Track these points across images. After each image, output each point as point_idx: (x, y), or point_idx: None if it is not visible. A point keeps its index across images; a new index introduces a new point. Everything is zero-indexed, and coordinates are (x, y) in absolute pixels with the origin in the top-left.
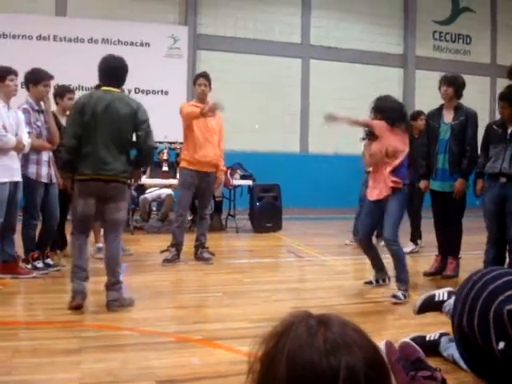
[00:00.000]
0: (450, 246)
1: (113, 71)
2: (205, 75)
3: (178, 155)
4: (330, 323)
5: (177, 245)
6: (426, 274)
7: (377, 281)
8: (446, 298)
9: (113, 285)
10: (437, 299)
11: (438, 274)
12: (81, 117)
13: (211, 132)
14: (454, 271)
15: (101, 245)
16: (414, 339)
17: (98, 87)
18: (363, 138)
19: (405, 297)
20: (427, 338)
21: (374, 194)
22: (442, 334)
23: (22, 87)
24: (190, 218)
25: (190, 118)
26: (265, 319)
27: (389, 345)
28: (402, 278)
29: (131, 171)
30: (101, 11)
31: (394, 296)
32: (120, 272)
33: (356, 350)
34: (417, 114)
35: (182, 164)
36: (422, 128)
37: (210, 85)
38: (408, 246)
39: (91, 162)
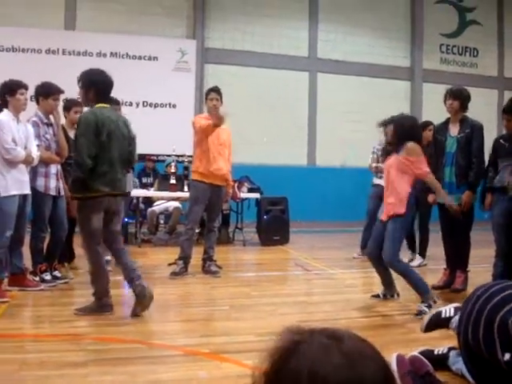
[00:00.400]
0: (458, 259)
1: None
2: (216, 90)
3: (185, 168)
4: (342, 338)
5: (185, 258)
6: (434, 288)
7: (384, 295)
8: (452, 314)
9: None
10: (443, 316)
11: (446, 287)
12: (96, 137)
13: (223, 146)
14: (462, 285)
15: (109, 257)
16: (422, 353)
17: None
18: (382, 154)
19: (429, 307)
20: (436, 352)
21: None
22: (450, 348)
23: (31, 100)
24: (197, 230)
25: (205, 132)
26: (270, 333)
27: (400, 358)
28: (420, 291)
29: None
30: (109, 25)
31: (419, 313)
32: None
33: (370, 362)
34: (425, 125)
35: (195, 177)
36: (430, 139)
37: (221, 99)
38: (416, 260)
39: (109, 180)
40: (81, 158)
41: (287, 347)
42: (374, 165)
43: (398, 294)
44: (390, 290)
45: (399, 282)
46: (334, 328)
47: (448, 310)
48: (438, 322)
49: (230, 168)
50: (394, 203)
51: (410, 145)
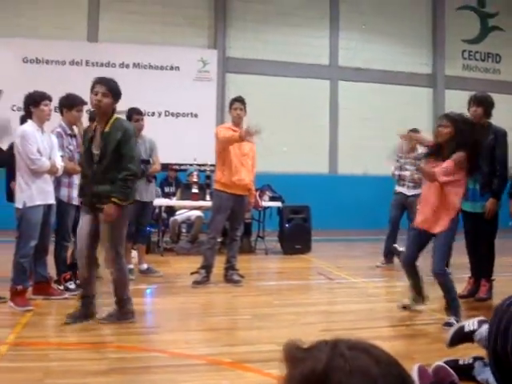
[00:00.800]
0: (482, 267)
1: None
2: (240, 99)
3: (207, 177)
4: (365, 347)
5: (207, 267)
6: (459, 297)
7: (413, 304)
8: (476, 327)
9: None
10: (467, 329)
11: (470, 296)
12: None
13: (246, 156)
14: (487, 294)
15: (132, 266)
16: (447, 363)
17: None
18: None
19: (458, 322)
20: (461, 362)
21: (427, 223)
22: (475, 358)
23: (55, 111)
24: (219, 240)
25: (229, 143)
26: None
27: (422, 369)
28: (454, 307)
29: None
30: (131, 36)
31: (448, 324)
32: None
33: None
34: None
35: (217, 186)
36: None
37: (245, 109)
38: None
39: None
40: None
41: (317, 372)
42: (396, 173)
43: (423, 299)
44: (417, 299)
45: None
46: (354, 339)
47: (471, 323)
48: (461, 336)
49: (253, 178)
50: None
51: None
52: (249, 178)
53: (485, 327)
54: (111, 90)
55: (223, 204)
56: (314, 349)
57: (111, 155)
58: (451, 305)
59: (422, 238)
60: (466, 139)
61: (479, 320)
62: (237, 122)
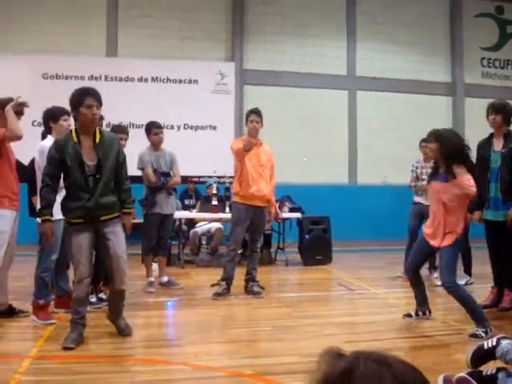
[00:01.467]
0: (505, 277)
1: None
2: (256, 111)
3: (227, 189)
4: (389, 363)
5: (227, 279)
6: (481, 307)
7: (416, 313)
8: (495, 343)
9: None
10: (486, 347)
11: (494, 306)
12: None
13: (263, 167)
14: (510, 303)
15: (152, 279)
16: (470, 374)
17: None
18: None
19: (486, 333)
20: (484, 373)
21: (434, 238)
22: (499, 369)
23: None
24: (240, 251)
25: (238, 156)
26: (316, 354)
27: (447, 379)
28: (477, 318)
29: None
30: (150, 51)
31: (473, 335)
32: None
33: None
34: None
35: (236, 199)
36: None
37: (261, 121)
38: (462, 278)
39: None
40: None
41: (339, 376)
42: (412, 184)
43: (430, 311)
44: (422, 307)
45: (441, 301)
46: (378, 352)
47: (490, 341)
48: (481, 355)
49: (272, 189)
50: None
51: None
52: (267, 189)
53: (505, 342)
54: (101, 101)
55: (242, 216)
56: (340, 357)
57: (111, 165)
58: (473, 316)
59: (427, 248)
60: (451, 148)
61: (498, 337)
62: (253, 134)
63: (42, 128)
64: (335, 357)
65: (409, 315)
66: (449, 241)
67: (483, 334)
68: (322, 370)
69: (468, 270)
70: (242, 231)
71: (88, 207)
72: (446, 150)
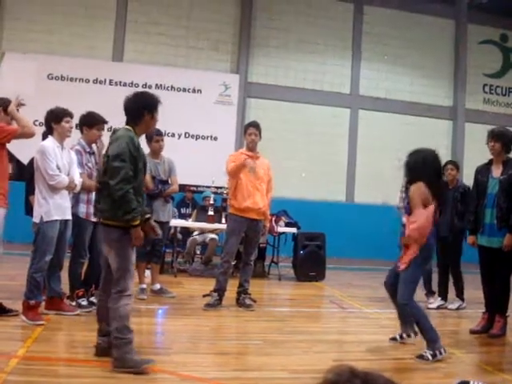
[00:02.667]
0: (497, 303)
1: None
2: (255, 125)
3: (224, 200)
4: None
5: (220, 290)
6: (472, 332)
7: (401, 336)
8: None
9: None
10: None
11: (484, 332)
12: None
13: (260, 180)
14: (501, 330)
15: (145, 286)
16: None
17: None
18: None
19: (434, 356)
20: None
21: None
22: None
23: (76, 128)
24: (233, 263)
25: (233, 175)
26: (304, 370)
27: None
28: (428, 338)
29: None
30: (155, 58)
31: (421, 356)
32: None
33: None
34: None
35: (231, 210)
36: (448, 179)
37: (260, 134)
38: (454, 303)
39: None
40: None
41: None
42: (401, 205)
43: (415, 333)
44: (405, 329)
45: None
46: (371, 372)
47: (476, 382)
48: None
49: (268, 202)
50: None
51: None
52: (263, 203)
53: None
54: None
55: (237, 227)
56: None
57: None
58: (424, 336)
59: None
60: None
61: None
62: (251, 147)
63: (43, 128)
64: (334, 373)
65: (394, 339)
66: (403, 264)
67: (430, 358)
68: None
69: (460, 295)
70: (236, 242)
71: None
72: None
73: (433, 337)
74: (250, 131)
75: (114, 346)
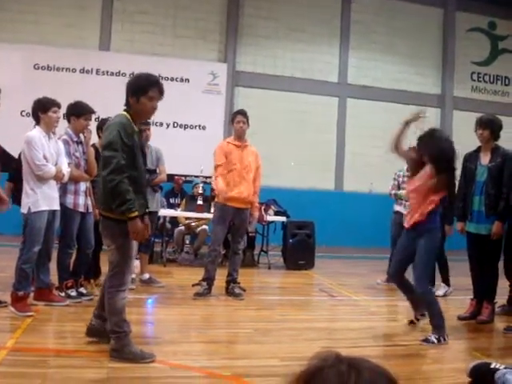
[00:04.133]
0: (485, 290)
1: None
2: (243, 112)
3: (213, 189)
4: (360, 369)
5: (209, 279)
6: (460, 318)
7: (417, 319)
8: (502, 367)
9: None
10: (492, 366)
11: (472, 318)
12: None
13: (247, 169)
14: (489, 316)
15: (133, 276)
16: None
17: None
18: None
19: (438, 341)
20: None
21: (409, 220)
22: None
23: (63, 118)
24: (222, 252)
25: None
26: (294, 358)
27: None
28: (435, 323)
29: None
30: (143, 47)
31: (426, 340)
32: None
33: None
34: None
35: (218, 199)
36: None
37: (247, 122)
38: (441, 289)
39: None
40: None
41: (309, 372)
42: (393, 192)
43: (425, 314)
44: (419, 311)
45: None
46: (357, 357)
47: (498, 364)
48: (484, 370)
49: (256, 190)
50: None
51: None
52: (248, 192)
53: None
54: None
55: (223, 216)
56: (321, 357)
57: None
58: (431, 321)
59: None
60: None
61: (506, 366)
62: (239, 135)
63: (31, 118)
64: (320, 358)
65: (412, 322)
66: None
67: (435, 341)
68: (303, 367)
69: (446, 281)
70: (223, 231)
71: None
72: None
73: (440, 323)
74: (238, 119)
75: (112, 339)
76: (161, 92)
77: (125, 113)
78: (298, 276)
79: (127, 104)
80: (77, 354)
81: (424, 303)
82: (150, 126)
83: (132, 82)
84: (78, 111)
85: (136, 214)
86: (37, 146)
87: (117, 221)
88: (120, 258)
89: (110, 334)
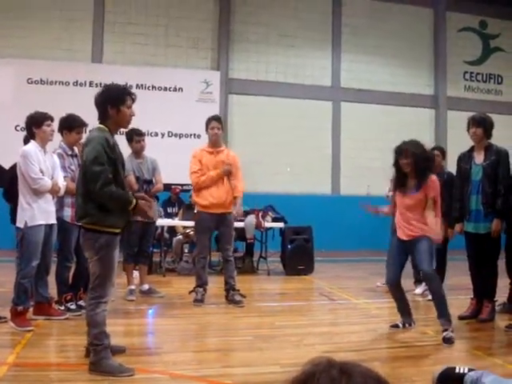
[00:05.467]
0: (485, 288)
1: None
2: (217, 118)
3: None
4: (352, 373)
5: (203, 285)
6: (461, 318)
7: (403, 325)
8: (466, 371)
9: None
10: (457, 371)
11: (473, 317)
12: None
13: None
14: (489, 315)
15: (133, 287)
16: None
17: None
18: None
19: (452, 332)
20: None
21: (404, 233)
22: (470, 369)
23: (58, 132)
24: (221, 259)
25: (206, 184)
26: (295, 364)
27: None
28: (444, 312)
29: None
30: (135, 58)
31: (447, 340)
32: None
33: None
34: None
35: (198, 208)
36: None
37: (222, 127)
38: (420, 287)
39: None
40: None
41: (301, 378)
42: (390, 194)
43: (414, 322)
44: (407, 319)
45: (422, 312)
46: (349, 362)
47: (462, 368)
48: (450, 376)
49: (239, 185)
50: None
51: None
52: (227, 195)
53: (473, 372)
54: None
55: (204, 224)
56: (314, 363)
57: None
58: (441, 309)
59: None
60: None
61: (470, 368)
62: (214, 142)
63: (25, 133)
64: (312, 364)
65: (396, 326)
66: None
67: (454, 335)
68: (294, 374)
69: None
70: (206, 239)
71: None
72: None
73: (447, 311)
74: (212, 125)
75: (91, 351)
76: (133, 99)
77: (103, 126)
78: (298, 281)
79: (103, 117)
80: (78, 368)
81: (430, 283)
82: (145, 137)
83: (107, 95)
84: (70, 124)
85: (134, 200)
86: (33, 159)
87: (101, 232)
88: (102, 270)
89: (90, 346)
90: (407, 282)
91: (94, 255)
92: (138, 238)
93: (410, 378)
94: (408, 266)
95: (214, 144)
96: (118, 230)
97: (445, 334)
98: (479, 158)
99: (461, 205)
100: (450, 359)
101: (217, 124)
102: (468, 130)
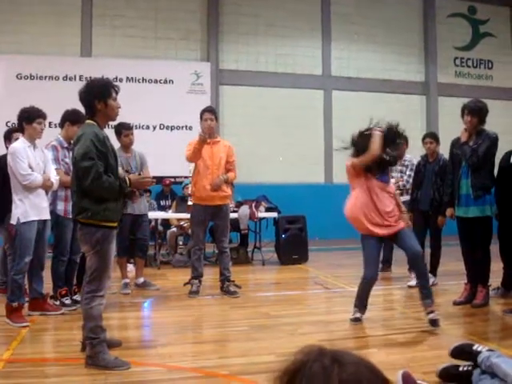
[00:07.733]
0: (478, 273)
1: None
2: (210, 109)
3: (185, 187)
4: (344, 362)
5: (198, 276)
6: (455, 303)
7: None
8: (484, 350)
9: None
10: (475, 348)
11: (467, 302)
12: None
13: (218, 165)
14: (483, 300)
15: (128, 280)
16: (447, 368)
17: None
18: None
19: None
20: (461, 369)
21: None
22: (474, 366)
23: (49, 127)
24: (216, 251)
25: (196, 156)
26: (291, 353)
27: (406, 376)
28: (430, 291)
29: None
30: (125, 51)
31: (434, 322)
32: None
33: None
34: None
35: (193, 200)
36: (428, 152)
37: (216, 118)
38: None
39: None
40: None
41: (293, 367)
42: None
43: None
44: (363, 310)
45: (416, 298)
46: (340, 350)
47: (481, 346)
48: (466, 351)
49: (231, 177)
50: None
51: None
52: (222, 188)
53: (485, 349)
54: None
55: (200, 216)
56: (305, 352)
57: None
58: (427, 290)
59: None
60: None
61: (489, 348)
62: (208, 133)
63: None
64: (304, 353)
65: (357, 319)
66: None
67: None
68: (286, 364)
69: (434, 270)
70: (201, 231)
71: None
72: None
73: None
74: (205, 116)
75: (87, 344)
76: (117, 91)
77: (91, 121)
78: (293, 270)
79: (91, 112)
80: (75, 362)
81: (422, 263)
82: (133, 131)
83: (92, 90)
84: (75, 119)
85: (127, 179)
86: (21, 156)
87: (98, 227)
88: (99, 264)
89: (86, 339)
90: (400, 270)
91: (90, 249)
92: (129, 231)
93: (406, 364)
94: (402, 255)
95: (209, 135)
96: (114, 224)
97: (432, 315)
98: (470, 142)
99: (452, 190)
100: (446, 345)
101: (210, 115)
102: (462, 117)
